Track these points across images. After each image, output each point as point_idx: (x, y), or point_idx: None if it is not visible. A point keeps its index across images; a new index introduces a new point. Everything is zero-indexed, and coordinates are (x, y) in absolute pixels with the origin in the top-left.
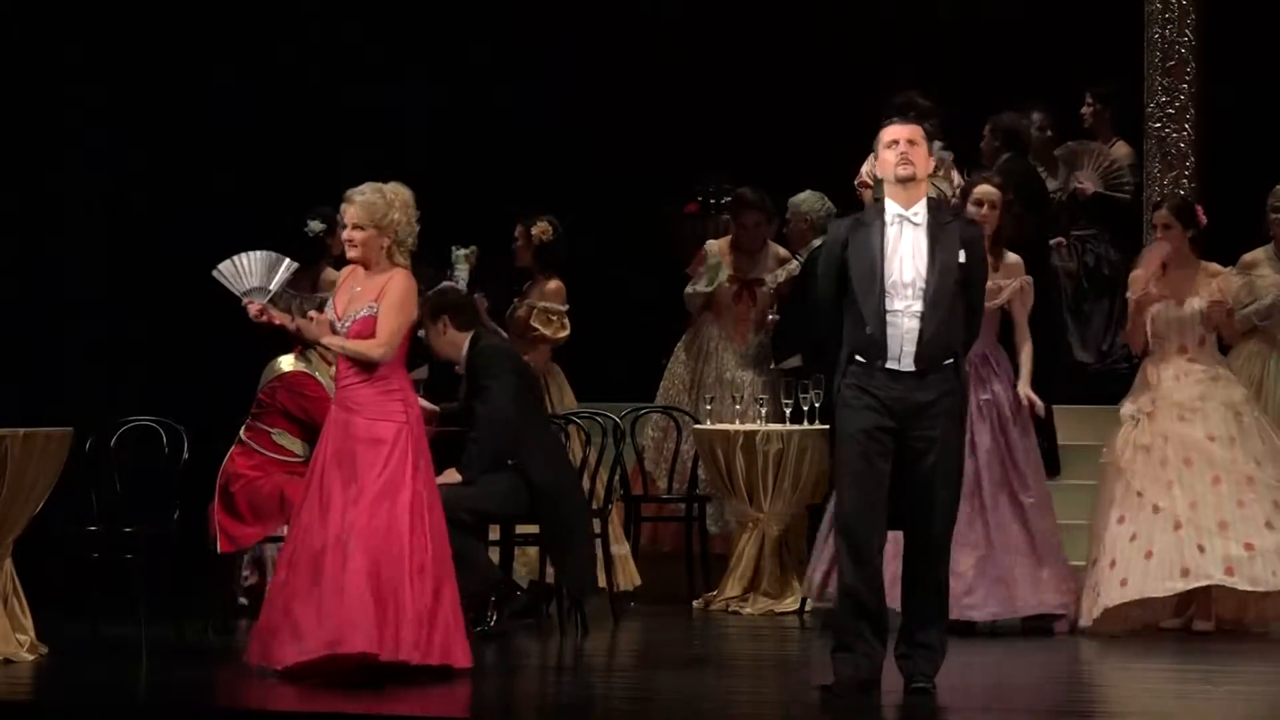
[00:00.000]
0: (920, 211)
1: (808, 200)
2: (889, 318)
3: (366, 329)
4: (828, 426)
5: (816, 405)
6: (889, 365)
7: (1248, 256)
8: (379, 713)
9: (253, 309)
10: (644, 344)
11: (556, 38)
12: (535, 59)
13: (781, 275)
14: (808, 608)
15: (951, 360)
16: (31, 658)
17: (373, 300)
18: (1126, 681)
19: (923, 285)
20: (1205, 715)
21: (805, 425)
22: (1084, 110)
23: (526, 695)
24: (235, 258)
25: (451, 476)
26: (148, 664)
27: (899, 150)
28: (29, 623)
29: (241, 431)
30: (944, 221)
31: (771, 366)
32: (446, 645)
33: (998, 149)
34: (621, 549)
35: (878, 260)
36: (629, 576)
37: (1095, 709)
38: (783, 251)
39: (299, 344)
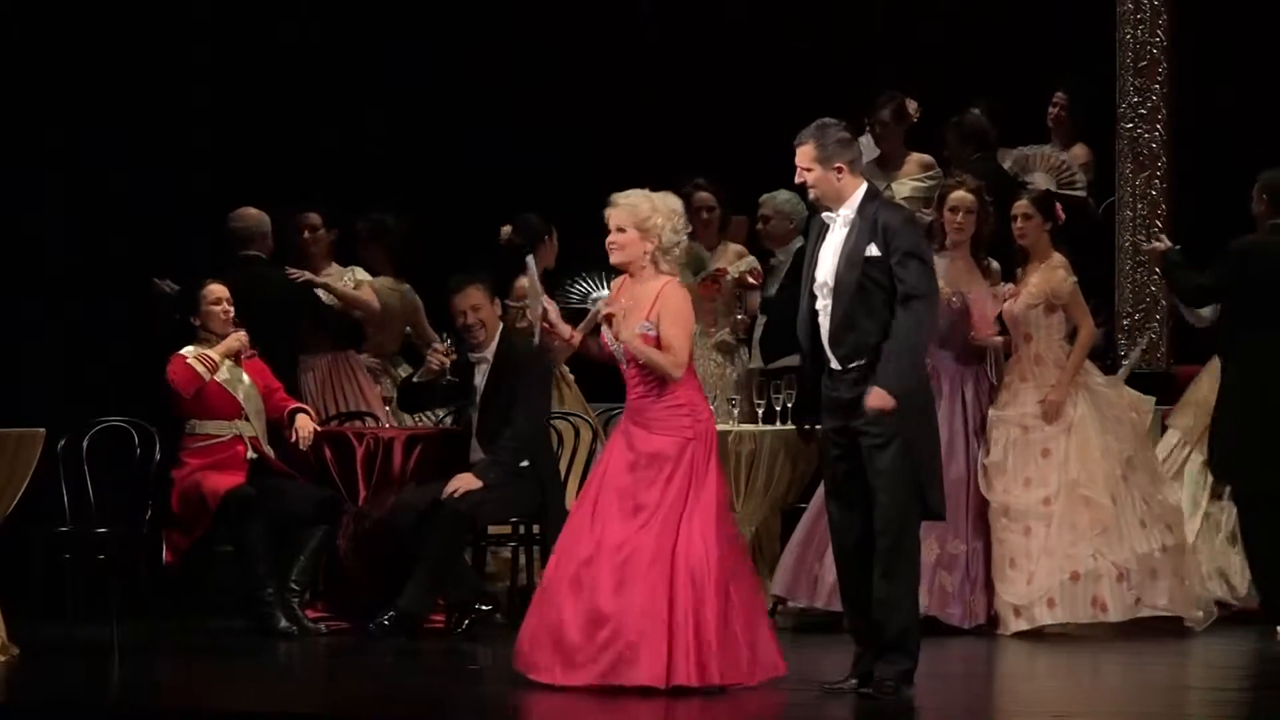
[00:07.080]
0: (845, 211)
1: (790, 201)
2: (815, 318)
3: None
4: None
5: (789, 405)
6: (821, 363)
7: None
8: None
9: (554, 312)
10: None
11: (543, 38)
12: (529, 59)
13: (744, 266)
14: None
15: (874, 357)
16: (3, 659)
17: (646, 318)
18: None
19: (832, 283)
20: None
21: (778, 426)
22: (1052, 110)
23: (517, 696)
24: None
25: (470, 482)
26: (120, 665)
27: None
28: (0, 624)
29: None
30: (868, 215)
31: (760, 366)
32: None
33: (969, 151)
34: None
35: (807, 262)
36: None
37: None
38: (736, 246)
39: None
